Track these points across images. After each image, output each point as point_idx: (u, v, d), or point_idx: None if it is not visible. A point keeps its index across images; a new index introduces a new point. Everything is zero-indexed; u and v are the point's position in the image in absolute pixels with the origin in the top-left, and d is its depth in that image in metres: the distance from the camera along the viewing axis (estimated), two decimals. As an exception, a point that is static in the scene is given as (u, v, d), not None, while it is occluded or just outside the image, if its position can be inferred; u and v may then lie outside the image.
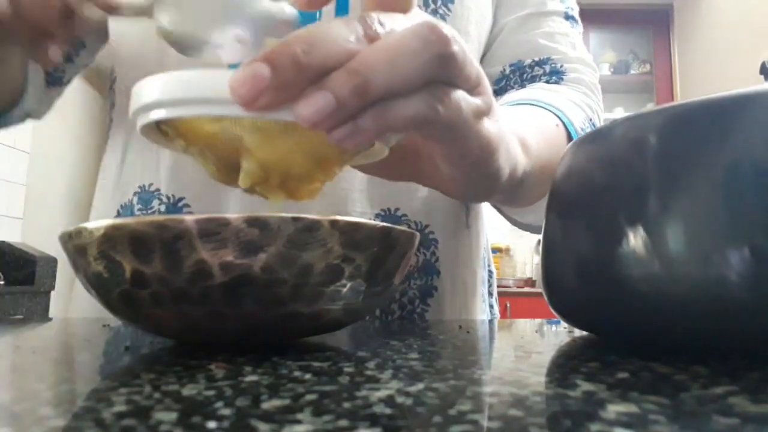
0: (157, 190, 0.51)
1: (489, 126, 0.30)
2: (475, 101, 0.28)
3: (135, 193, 0.52)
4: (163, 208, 0.50)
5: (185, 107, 0.25)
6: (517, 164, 0.35)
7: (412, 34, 0.25)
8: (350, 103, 0.24)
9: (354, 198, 0.50)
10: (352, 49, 0.24)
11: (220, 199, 0.49)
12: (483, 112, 0.29)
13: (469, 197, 0.37)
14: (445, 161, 0.31)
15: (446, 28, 0.25)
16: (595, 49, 3.24)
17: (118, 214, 0.53)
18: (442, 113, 0.26)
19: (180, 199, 0.50)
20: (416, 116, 0.25)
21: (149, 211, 0.51)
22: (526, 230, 0.61)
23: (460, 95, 0.27)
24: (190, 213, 0.49)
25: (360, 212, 0.50)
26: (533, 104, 0.50)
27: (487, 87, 0.29)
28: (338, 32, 0.24)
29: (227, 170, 0.29)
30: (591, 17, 3.08)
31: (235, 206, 0.49)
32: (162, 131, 0.29)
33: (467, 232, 0.58)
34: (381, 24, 0.25)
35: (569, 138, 0.49)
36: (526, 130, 0.39)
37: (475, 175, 0.32)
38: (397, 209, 0.52)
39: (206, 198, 0.50)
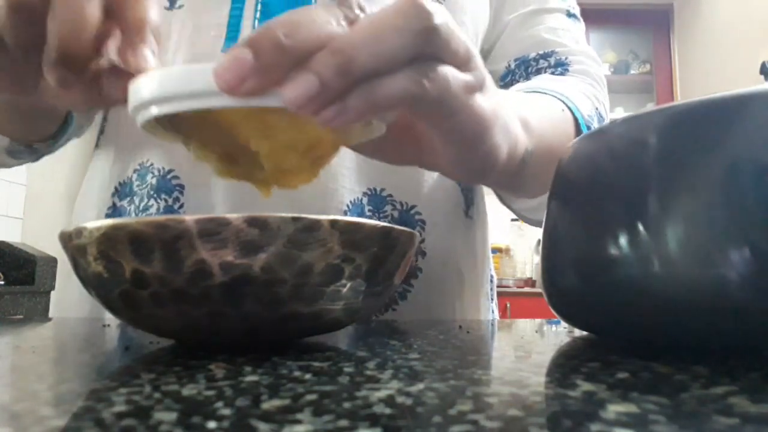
0: (151, 164, 0.51)
1: (482, 102, 0.29)
2: (465, 77, 0.28)
3: (134, 170, 0.52)
4: (155, 181, 0.50)
5: (177, 102, 0.25)
6: (517, 142, 0.35)
7: (394, 11, 0.25)
8: (334, 84, 0.24)
9: (344, 174, 0.50)
10: (333, 31, 0.24)
11: (208, 172, 0.49)
12: (474, 88, 0.29)
13: (469, 177, 0.36)
14: (439, 139, 0.31)
15: (430, 3, 0.25)
16: (595, 49, 3.20)
17: (116, 191, 0.53)
18: (429, 89, 0.26)
19: (170, 171, 0.50)
20: (403, 93, 0.25)
21: (144, 186, 0.51)
22: (536, 225, 0.61)
23: (447, 70, 0.27)
24: (180, 185, 0.49)
25: (349, 188, 0.50)
26: (538, 92, 0.49)
27: (479, 62, 0.29)
28: (319, 15, 0.24)
29: (230, 162, 0.29)
30: (591, 17, 3.06)
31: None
32: (163, 125, 0.29)
33: (466, 221, 0.57)
34: (361, 8, 0.25)
35: (576, 123, 0.48)
36: (527, 110, 0.39)
37: (471, 152, 0.32)
38: (383, 189, 0.51)
39: (195, 170, 0.50)
